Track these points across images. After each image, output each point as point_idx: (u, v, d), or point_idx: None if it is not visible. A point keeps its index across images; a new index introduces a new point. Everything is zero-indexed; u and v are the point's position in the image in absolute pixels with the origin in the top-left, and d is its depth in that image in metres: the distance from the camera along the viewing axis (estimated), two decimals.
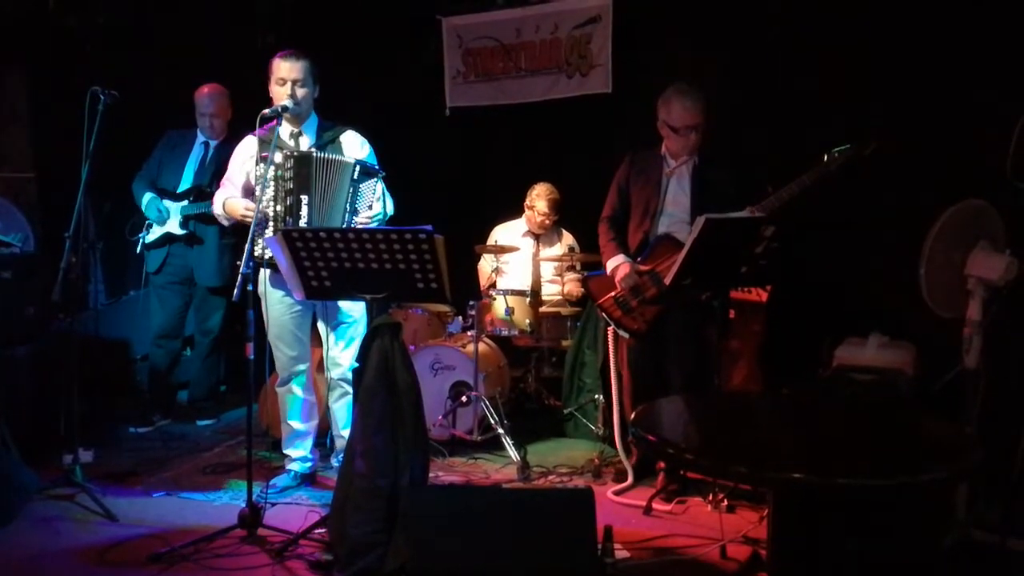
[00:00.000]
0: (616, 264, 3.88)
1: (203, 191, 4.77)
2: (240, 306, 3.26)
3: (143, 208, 4.81)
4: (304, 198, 3.58)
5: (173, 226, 4.83)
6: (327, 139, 3.80)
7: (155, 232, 4.87)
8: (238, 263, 3.32)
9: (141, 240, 4.92)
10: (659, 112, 3.84)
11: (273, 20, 5.98)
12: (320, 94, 3.82)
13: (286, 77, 3.67)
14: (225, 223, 3.91)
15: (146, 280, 5.12)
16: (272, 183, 3.58)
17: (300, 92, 3.69)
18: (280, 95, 3.67)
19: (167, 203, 4.82)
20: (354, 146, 3.84)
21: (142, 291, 5.24)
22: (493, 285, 5.37)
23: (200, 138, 4.93)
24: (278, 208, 3.59)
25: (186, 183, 4.85)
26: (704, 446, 2.50)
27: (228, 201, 3.78)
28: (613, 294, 3.89)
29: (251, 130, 3.70)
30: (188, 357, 5.30)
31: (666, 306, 3.79)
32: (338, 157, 3.66)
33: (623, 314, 3.88)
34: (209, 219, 4.76)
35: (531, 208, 5.28)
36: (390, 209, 3.82)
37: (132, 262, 5.16)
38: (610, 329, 4.04)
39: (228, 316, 5.05)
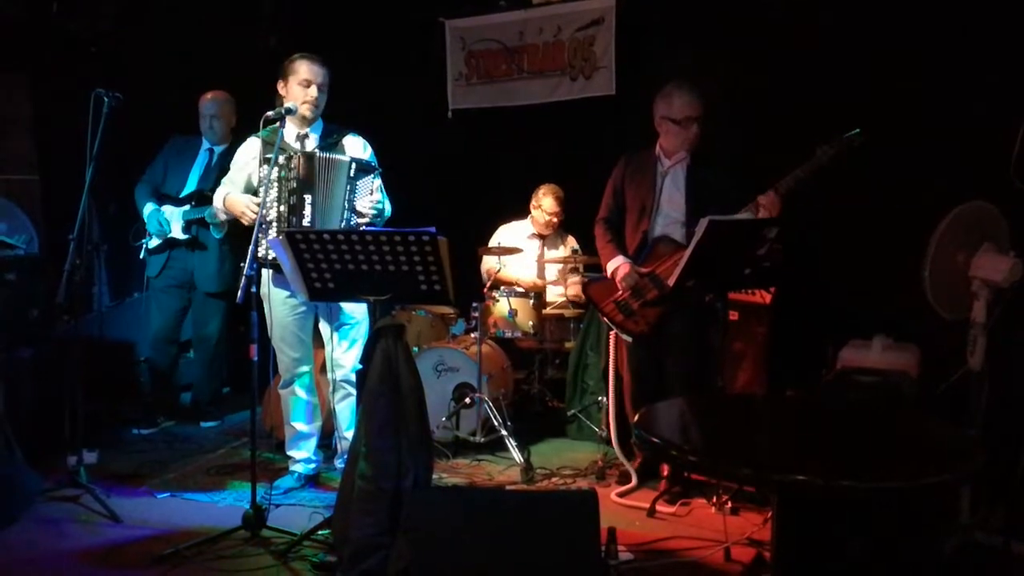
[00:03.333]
0: (616, 265, 3.88)
1: (204, 195, 4.76)
2: (244, 308, 3.26)
3: (144, 219, 4.83)
4: (307, 198, 3.59)
5: (176, 230, 4.84)
6: (331, 141, 3.82)
7: (157, 239, 4.87)
8: (241, 264, 3.32)
9: (144, 246, 4.93)
10: (658, 108, 3.86)
11: (275, 23, 5.99)
12: None
13: (312, 80, 3.71)
14: (223, 217, 3.91)
15: (147, 285, 5.11)
16: (275, 184, 3.59)
17: (322, 96, 3.73)
18: (299, 95, 3.70)
19: (168, 208, 4.82)
20: (356, 149, 3.86)
21: (144, 294, 5.25)
22: (498, 284, 5.35)
23: (205, 144, 4.93)
24: (281, 208, 3.60)
25: (190, 189, 4.85)
26: (708, 448, 2.50)
27: (229, 197, 3.77)
28: (614, 298, 3.89)
29: (252, 132, 3.71)
30: (190, 360, 5.30)
31: (667, 308, 3.79)
32: (335, 156, 3.68)
33: (625, 318, 3.88)
34: (210, 226, 4.78)
35: (538, 207, 5.28)
36: (388, 209, 3.83)
37: (136, 264, 5.17)
38: (611, 332, 4.05)
39: (226, 322, 5.04)
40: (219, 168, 4.81)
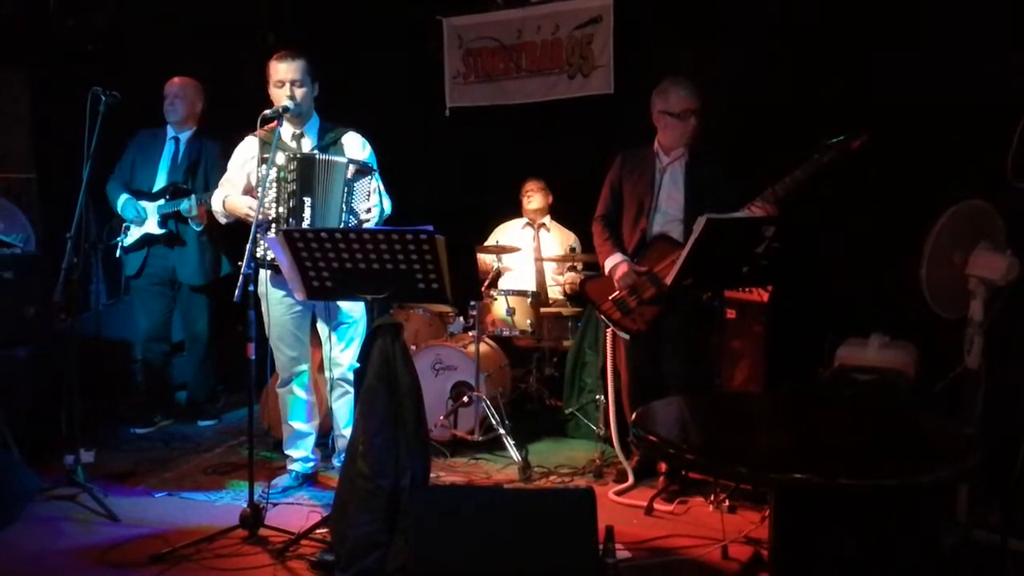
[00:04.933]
0: (614, 263, 3.88)
1: (179, 188, 4.71)
2: (242, 306, 3.26)
3: (119, 210, 4.74)
4: (307, 200, 3.59)
5: (152, 226, 4.75)
6: (329, 140, 3.80)
7: (133, 235, 4.78)
8: (239, 263, 3.31)
9: (119, 244, 4.82)
10: (655, 103, 3.86)
11: (273, 20, 5.98)
12: (320, 94, 3.82)
13: (284, 79, 3.68)
14: (223, 221, 3.89)
15: (126, 286, 5.02)
16: (274, 184, 3.58)
17: (299, 92, 3.69)
18: (279, 97, 3.68)
19: (144, 203, 4.75)
20: (355, 147, 3.85)
21: (126, 296, 5.12)
22: (496, 281, 5.36)
23: (170, 133, 4.84)
24: (280, 210, 3.59)
25: (160, 181, 4.78)
26: (705, 446, 2.50)
27: (229, 199, 3.77)
28: (612, 296, 3.89)
29: (252, 130, 3.70)
30: (185, 359, 5.25)
31: (665, 306, 3.79)
32: (333, 157, 3.68)
33: (622, 315, 3.89)
34: (187, 219, 4.72)
35: (524, 195, 5.38)
36: (387, 208, 3.83)
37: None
38: (609, 330, 4.05)
39: (215, 318, 4.98)
40: (187, 159, 4.77)
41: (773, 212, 3.60)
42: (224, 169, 3.87)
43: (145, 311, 4.93)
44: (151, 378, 5.05)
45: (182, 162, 4.80)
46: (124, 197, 4.74)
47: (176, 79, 4.86)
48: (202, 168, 4.79)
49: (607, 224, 4.00)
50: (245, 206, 3.67)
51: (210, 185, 4.73)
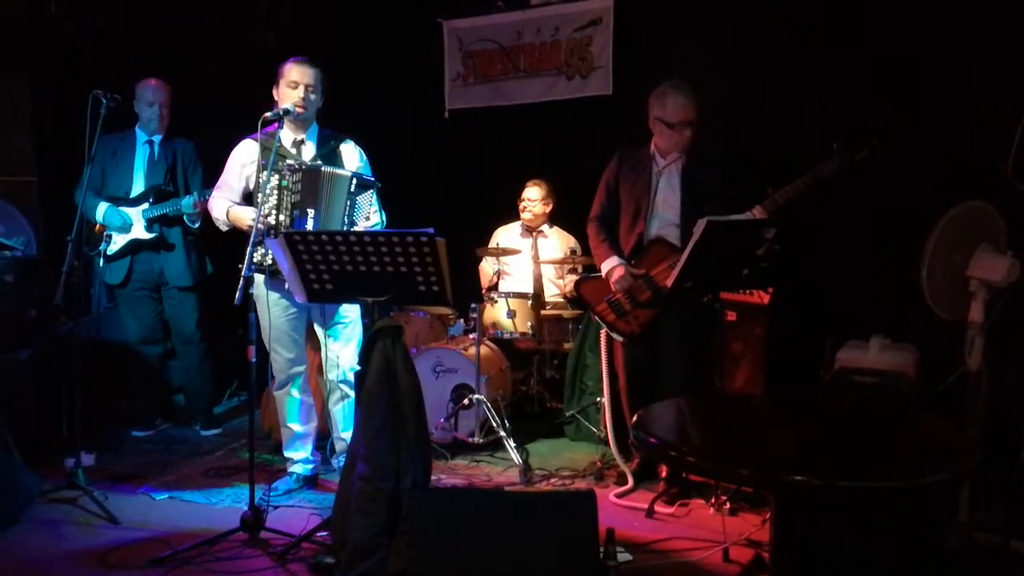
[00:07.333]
0: (611, 267, 3.88)
1: (163, 191, 4.64)
2: (239, 308, 3.26)
3: (101, 219, 4.61)
4: (310, 212, 3.57)
5: (139, 231, 4.65)
6: (328, 149, 3.80)
7: (118, 242, 4.65)
8: (239, 265, 3.31)
9: (103, 252, 4.66)
10: (652, 109, 3.85)
11: (273, 22, 5.99)
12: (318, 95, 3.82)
13: (300, 81, 3.69)
14: (224, 228, 3.87)
15: (110, 295, 4.93)
16: (275, 192, 3.58)
17: (312, 98, 3.71)
18: (290, 97, 3.68)
19: (124, 209, 4.64)
20: (352, 157, 3.86)
21: (111, 305, 5.00)
22: (495, 287, 5.37)
23: (143, 137, 4.74)
24: (281, 218, 3.58)
25: (138, 185, 4.69)
26: (706, 448, 2.50)
27: (233, 210, 3.75)
28: (607, 297, 3.88)
29: (249, 132, 3.69)
30: (180, 363, 5.16)
31: (660, 310, 3.78)
32: (338, 171, 3.67)
33: (617, 318, 3.88)
34: (172, 220, 4.67)
35: (522, 200, 5.35)
36: (382, 224, 3.82)
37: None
38: (602, 332, 4.04)
39: (205, 316, 4.92)
40: (164, 159, 4.71)
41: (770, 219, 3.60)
42: (202, 168, 3.83)
43: (135, 316, 4.85)
44: (148, 380, 4.98)
45: (159, 164, 4.72)
46: (104, 205, 4.61)
47: (152, 81, 4.73)
48: (180, 169, 4.74)
49: (602, 225, 3.99)
50: (249, 218, 3.65)
51: (190, 185, 4.71)
